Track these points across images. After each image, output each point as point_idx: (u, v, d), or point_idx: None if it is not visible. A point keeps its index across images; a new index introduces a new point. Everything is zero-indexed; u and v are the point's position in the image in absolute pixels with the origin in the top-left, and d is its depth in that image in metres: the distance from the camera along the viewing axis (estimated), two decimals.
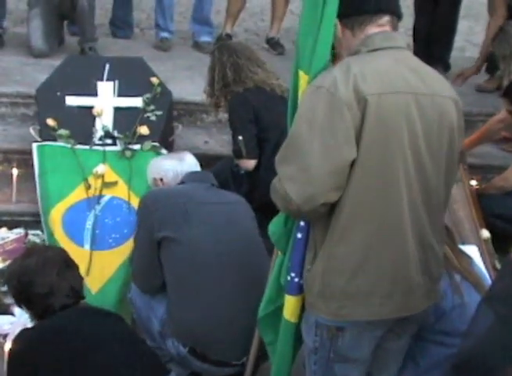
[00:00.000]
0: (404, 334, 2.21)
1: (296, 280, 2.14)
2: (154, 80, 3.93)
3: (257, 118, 3.41)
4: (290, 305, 2.19)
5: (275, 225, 2.22)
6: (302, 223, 2.09)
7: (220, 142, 4.19)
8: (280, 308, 2.24)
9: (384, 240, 2.00)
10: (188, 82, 4.59)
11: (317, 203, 1.91)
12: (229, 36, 5.35)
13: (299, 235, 2.11)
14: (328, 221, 1.99)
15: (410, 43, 5.08)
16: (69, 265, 2.44)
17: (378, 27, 2.04)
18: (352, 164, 1.92)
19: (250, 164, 3.45)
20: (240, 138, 3.39)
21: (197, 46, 5.15)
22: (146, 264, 2.83)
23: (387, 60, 2.01)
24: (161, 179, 3.01)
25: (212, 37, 5.23)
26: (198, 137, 4.25)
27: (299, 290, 2.15)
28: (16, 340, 2.33)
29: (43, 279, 2.33)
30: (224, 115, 4.30)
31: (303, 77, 2.06)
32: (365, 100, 1.89)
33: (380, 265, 2.01)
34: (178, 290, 2.75)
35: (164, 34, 5.18)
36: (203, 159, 3.97)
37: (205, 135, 4.29)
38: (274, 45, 5.29)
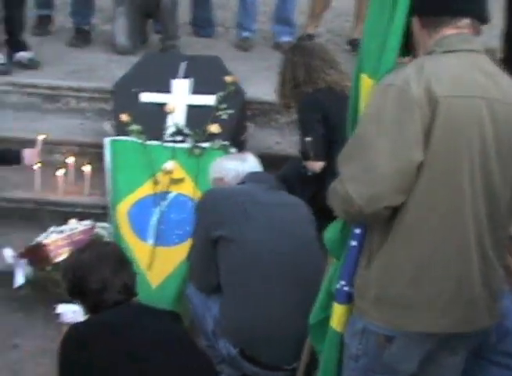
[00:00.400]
0: (461, 350, 2.09)
1: (345, 288, 2.08)
2: (228, 79, 3.95)
3: (327, 120, 3.35)
4: (338, 313, 2.14)
5: (330, 232, 2.17)
6: (357, 231, 2.03)
7: (292, 144, 4.14)
8: (330, 317, 2.18)
9: (447, 248, 1.91)
10: (265, 82, 4.54)
11: (380, 205, 1.84)
12: (311, 36, 5.29)
13: (353, 243, 2.05)
14: (388, 226, 1.91)
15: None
16: (123, 262, 2.45)
17: (456, 29, 1.95)
18: (418, 167, 1.84)
19: (317, 165, 3.39)
20: (308, 139, 3.34)
21: (278, 46, 5.11)
22: (202, 262, 2.82)
23: (461, 63, 1.93)
24: (222, 179, 3.00)
25: (293, 37, 5.17)
26: (271, 137, 4.22)
27: (347, 299, 2.09)
28: (66, 333, 2.34)
29: (97, 275, 2.36)
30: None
31: (365, 81, 1.99)
32: (436, 101, 1.82)
33: (441, 275, 1.93)
34: (231, 290, 2.74)
35: (246, 34, 5.18)
36: (275, 160, 3.98)
37: (278, 135, 4.26)
38: (355, 46, 5.19)
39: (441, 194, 1.87)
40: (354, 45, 5.20)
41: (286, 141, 4.19)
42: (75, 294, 2.45)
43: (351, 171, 1.87)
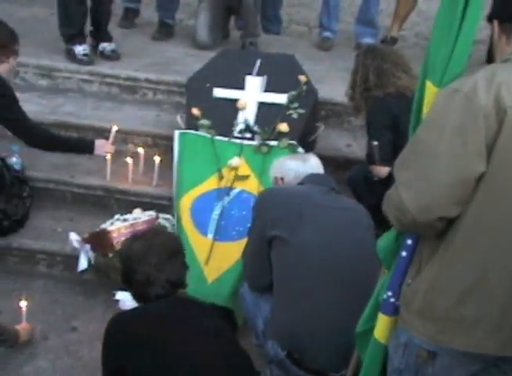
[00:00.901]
0: (510, 372, 1.99)
1: (392, 300, 2.02)
2: (302, 78, 3.92)
3: (395, 124, 3.27)
4: (382, 324, 2.08)
5: (384, 241, 2.10)
6: (409, 242, 1.96)
7: (363, 147, 4.05)
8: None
9: (501, 265, 1.82)
10: (340, 83, 4.46)
11: (433, 215, 1.76)
12: (394, 39, 5.20)
13: (403, 253, 1.98)
14: (441, 238, 1.84)
15: None
16: (172, 255, 2.42)
17: None
18: (478, 178, 1.76)
19: (383, 170, 3.32)
20: (375, 143, 3.27)
21: (358, 48, 5.03)
22: (256, 261, 2.81)
23: None
24: (282, 179, 2.97)
25: (376, 39, 5.09)
26: (342, 139, 4.16)
27: (393, 310, 2.03)
28: (111, 320, 2.39)
29: (142, 267, 2.36)
30: None
31: (430, 88, 1.90)
32: (504, 111, 1.72)
33: (493, 293, 1.83)
34: (282, 291, 2.70)
35: (327, 34, 5.14)
36: (344, 162, 3.93)
37: (349, 137, 4.19)
38: None
39: (499, 209, 1.78)
40: None
41: (357, 144, 4.12)
42: (124, 282, 2.49)
43: (407, 178, 1.80)
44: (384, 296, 2.05)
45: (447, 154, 1.74)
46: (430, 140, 1.78)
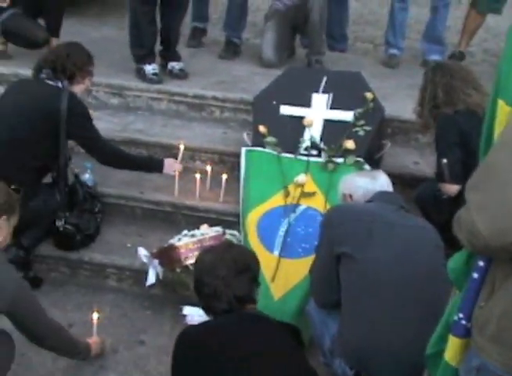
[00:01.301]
0: None
1: (463, 322, 1.97)
2: (368, 95, 3.91)
3: (465, 142, 3.22)
4: (453, 346, 2.03)
5: (455, 262, 2.06)
6: (481, 263, 1.91)
7: (430, 164, 4.00)
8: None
9: None
10: (408, 100, 4.43)
11: (509, 239, 1.72)
12: (462, 54, 5.14)
13: (475, 275, 1.93)
14: None
15: None
16: (241, 271, 2.42)
17: None
18: None
19: (452, 189, 3.27)
20: (444, 161, 3.23)
21: (425, 65, 4.99)
22: (324, 278, 2.80)
23: None
24: (351, 196, 2.96)
25: (443, 56, 5.05)
26: (409, 157, 4.13)
27: (464, 332, 1.98)
28: (181, 333, 2.41)
29: (209, 280, 2.38)
30: None
31: (502, 108, 1.86)
32: None
33: None
34: (350, 309, 2.69)
35: (393, 51, 5.12)
36: (411, 180, 3.89)
37: (416, 155, 4.15)
38: None
39: None
40: None
41: (424, 161, 4.08)
42: (196, 293, 2.50)
43: (480, 201, 1.76)
44: (455, 318, 2.00)
45: None
46: (504, 162, 1.73)
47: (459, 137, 3.24)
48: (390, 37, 5.12)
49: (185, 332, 2.38)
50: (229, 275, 2.38)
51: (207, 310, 2.48)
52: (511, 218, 1.70)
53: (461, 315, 1.98)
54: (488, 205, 1.74)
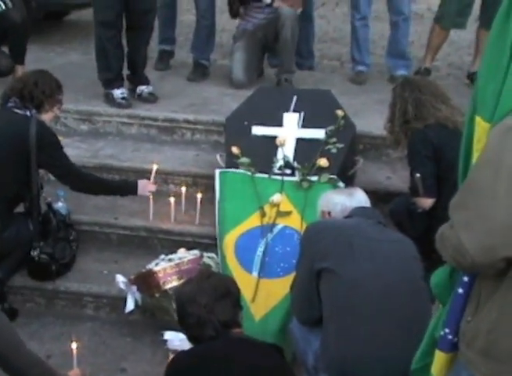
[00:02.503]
0: None
1: (449, 337, 1.98)
2: (339, 112, 3.94)
3: (437, 156, 3.27)
4: (439, 361, 2.03)
5: (438, 277, 2.06)
6: (465, 278, 1.91)
7: (403, 179, 4.03)
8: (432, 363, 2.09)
9: None
10: (378, 116, 4.49)
11: (497, 256, 1.72)
12: (428, 70, 5.22)
13: (460, 290, 1.94)
14: (502, 275, 1.79)
15: None
16: (222, 296, 2.43)
17: None
18: None
19: (426, 203, 3.30)
20: (418, 175, 3.27)
21: (393, 80, 5.05)
22: (305, 294, 2.80)
23: None
24: (329, 213, 2.99)
25: (409, 70, 5.12)
26: (381, 172, 4.16)
27: (451, 347, 1.98)
28: (172, 360, 2.43)
29: (192, 310, 2.39)
30: None
31: (480, 124, 1.86)
32: None
33: None
34: (333, 324, 2.68)
35: (360, 68, 5.18)
36: (385, 195, 3.92)
37: (389, 170, 4.19)
38: (474, 80, 5.04)
39: None
40: (472, 79, 5.08)
41: (397, 176, 4.11)
42: (180, 324, 2.51)
43: (466, 219, 1.76)
44: (441, 333, 2.00)
45: (505, 193, 1.70)
46: (488, 180, 1.73)
47: (431, 151, 3.28)
48: (355, 54, 5.18)
49: (176, 358, 2.39)
50: (211, 301, 2.39)
51: (194, 340, 2.46)
52: (498, 235, 1.71)
53: (447, 330, 1.98)
54: (474, 223, 1.74)
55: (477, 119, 1.87)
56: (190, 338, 2.49)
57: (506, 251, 1.73)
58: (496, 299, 1.82)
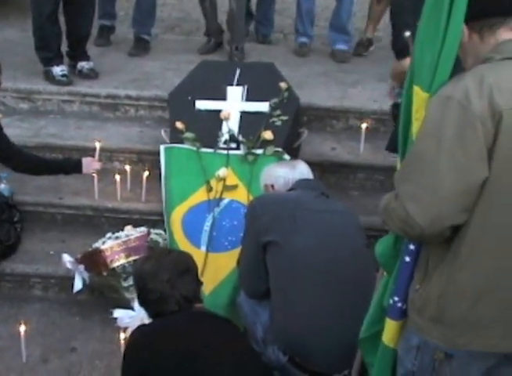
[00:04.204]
0: None
1: (399, 304, 2.02)
2: (283, 85, 3.95)
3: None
4: (390, 329, 2.08)
5: (382, 246, 2.10)
6: (412, 246, 1.96)
7: (348, 149, 4.11)
8: (381, 331, 2.13)
9: (510, 268, 1.84)
10: (321, 88, 4.56)
11: (443, 225, 1.77)
12: (370, 41, 5.26)
13: (407, 259, 1.98)
14: (448, 242, 1.85)
15: None
16: (183, 272, 2.46)
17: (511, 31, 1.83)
18: (482, 183, 1.76)
19: None
20: (407, 33, 2.92)
21: (334, 55, 5.10)
22: (251, 268, 2.83)
23: None
24: (272, 186, 3.01)
25: (348, 45, 5.14)
26: (326, 143, 4.19)
27: (401, 315, 2.03)
28: (132, 335, 2.43)
29: (154, 286, 2.41)
30: (355, 122, 4.25)
31: (419, 94, 1.89)
32: (500, 115, 1.71)
33: (506, 294, 1.85)
34: (280, 296, 2.73)
35: (303, 39, 5.17)
36: (329, 166, 3.97)
37: (333, 141, 4.22)
38: None
39: (505, 211, 1.79)
40: None
41: (341, 147, 4.16)
42: (139, 300, 2.51)
43: (411, 191, 1.79)
44: (390, 301, 2.04)
45: (449, 164, 1.74)
46: (430, 151, 1.77)
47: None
48: (299, 25, 5.17)
49: (137, 334, 2.39)
50: (173, 277, 2.41)
51: (156, 317, 2.47)
52: (444, 205, 1.75)
53: (396, 298, 2.02)
54: (419, 195, 1.77)
55: (416, 89, 1.89)
56: (152, 315, 2.50)
57: (452, 220, 1.78)
58: (444, 267, 1.86)
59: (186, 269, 2.50)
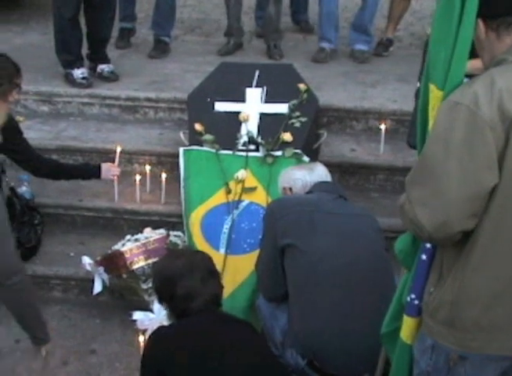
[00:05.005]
0: None
1: (416, 302, 2.04)
2: (302, 86, 3.93)
3: None
4: (408, 326, 2.09)
5: (402, 243, 2.11)
6: (428, 245, 1.97)
7: (368, 150, 4.08)
8: (401, 327, 2.14)
9: None
10: (340, 89, 4.53)
11: (451, 231, 1.77)
12: (391, 41, 5.22)
13: (423, 257, 1.99)
14: (461, 246, 1.84)
15: None
16: (212, 272, 2.49)
17: None
18: (493, 188, 1.75)
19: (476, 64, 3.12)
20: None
21: (353, 55, 5.06)
22: (270, 271, 2.82)
23: None
24: (290, 189, 3.00)
25: (369, 46, 5.10)
26: (345, 144, 4.16)
27: (418, 312, 2.04)
28: (151, 335, 2.42)
29: (187, 282, 2.41)
30: (375, 123, 4.22)
31: (434, 92, 1.88)
32: (510, 120, 1.69)
33: None
34: (298, 299, 2.72)
35: (322, 44, 5.07)
36: (349, 167, 3.95)
37: (353, 142, 4.19)
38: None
39: None
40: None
41: (361, 148, 4.13)
42: (164, 298, 2.49)
43: (420, 195, 1.79)
44: (408, 299, 2.06)
45: (457, 170, 1.73)
46: (438, 157, 1.76)
47: None
48: (318, 28, 5.12)
49: (155, 333, 2.39)
50: (205, 276, 2.44)
51: (178, 313, 2.44)
52: (452, 211, 1.74)
53: (413, 295, 2.04)
54: (428, 200, 1.77)
55: (431, 87, 1.89)
56: (174, 313, 2.47)
57: (461, 226, 1.77)
58: (458, 271, 1.85)
59: (215, 270, 2.53)
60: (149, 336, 2.45)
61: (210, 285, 2.44)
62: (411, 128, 3.34)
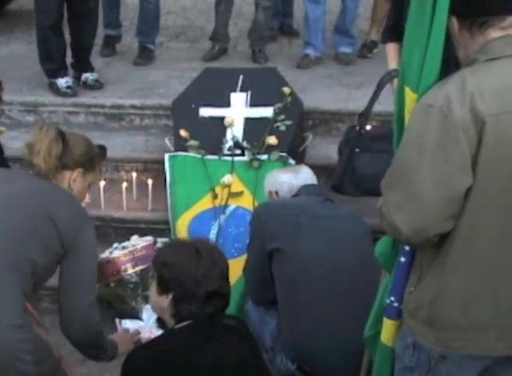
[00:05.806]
0: None
1: (395, 304, 2.03)
2: (286, 89, 3.94)
3: None
4: (388, 328, 2.09)
5: (382, 246, 2.11)
6: (407, 248, 1.96)
7: None
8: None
9: (502, 269, 1.83)
10: (325, 91, 4.54)
11: (428, 234, 1.77)
12: (374, 42, 5.22)
13: (402, 259, 1.99)
14: (439, 247, 1.84)
15: None
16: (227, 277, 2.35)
17: (501, 31, 1.77)
18: (467, 190, 1.74)
19: None
20: None
21: (338, 58, 5.07)
22: (257, 275, 2.82)
23: (509, 72, 1.76)
24: (276, 192, 3.00)
25: (352, 48, 5.10)
26: (331, 147, 4.13)
27: (397, 315, 2.04)
28: (128, 358, 2.29)
29: (211, 286, 2.23)
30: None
31: (409, 94, 1.87)
32: (483, 122, 1.69)
33: (497, 297, 1.84)
34: (287, 304, 2.71)
35: (306, 50, 5.04)
36: (335, 169, 3.93)
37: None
38: None
39: (493, 216, 1.78)
40: None
41: None
42: (184, 296, 2.24)
43: (396, 199, 1.79)
44: (387, 301, 2.06)
45: (431, 174, 1.73)
46: (412, 160, 1.76)
47: None
48: (304, 33, 5.11)
49: (133, 356, 2.28)
50: (223, 273, 2.31)
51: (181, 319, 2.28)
52: (428, 215, 1.74)
53: (392, 298, 2.03)
54: (404, 204, 1.77)
55: (406, 89, 1.88)
56: (179, 318, 2.26)
57: (438, 229, 1.77)
58: (436, 273, 1.86)
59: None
60: (125, 359, 2.29)
61: (226, 289, 2.30)
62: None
